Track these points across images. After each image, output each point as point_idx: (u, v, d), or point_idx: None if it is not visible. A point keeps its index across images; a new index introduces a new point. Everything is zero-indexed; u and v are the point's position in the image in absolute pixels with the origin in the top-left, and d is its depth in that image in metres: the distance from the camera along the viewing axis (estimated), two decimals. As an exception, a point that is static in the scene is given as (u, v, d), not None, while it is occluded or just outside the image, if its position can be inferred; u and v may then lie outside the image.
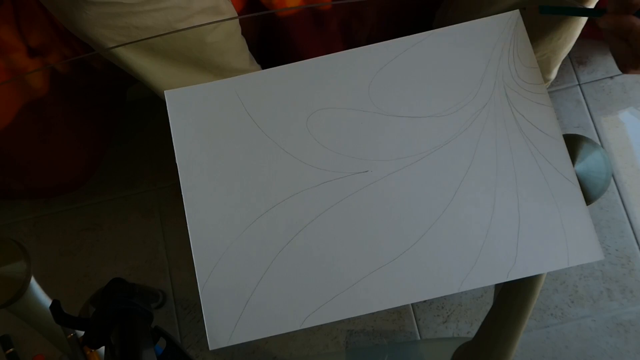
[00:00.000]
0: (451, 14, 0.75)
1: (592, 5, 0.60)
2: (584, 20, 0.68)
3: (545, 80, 0.81)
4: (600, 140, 1.02)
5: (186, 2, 0.61)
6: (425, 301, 0.94)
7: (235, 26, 0.70)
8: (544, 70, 0.78)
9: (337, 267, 0.48)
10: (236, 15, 0.70)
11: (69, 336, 0.66)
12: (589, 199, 0.49)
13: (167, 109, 0.52)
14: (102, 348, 0.49)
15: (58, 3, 0.59)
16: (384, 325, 0.94)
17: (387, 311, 0.94)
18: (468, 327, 0.94)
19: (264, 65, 0.73)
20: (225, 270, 0.48)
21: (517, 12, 0.53)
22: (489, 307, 0.61)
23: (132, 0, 0.58)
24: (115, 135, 1.03)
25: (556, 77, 0.82)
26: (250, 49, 0.75)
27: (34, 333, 0.67)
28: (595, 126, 1.03)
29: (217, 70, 0.68)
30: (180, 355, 0.49)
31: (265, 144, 0.51)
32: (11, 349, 0.90)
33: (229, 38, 0.69)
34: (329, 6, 0.76)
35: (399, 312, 0.95)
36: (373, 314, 0.46)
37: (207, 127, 0.51)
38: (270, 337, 0.46)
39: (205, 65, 0.67)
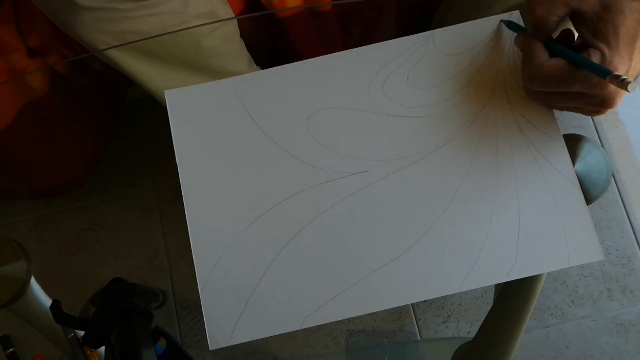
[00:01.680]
0: (450, 17, 0.75)
1: None
2: None
3: None
4: (600, 140, 1.02)
5: (182, 7, 0.61)
6: (425, 301, 0.94)
7: (233, 30, 0.70)
8: None
9: (337, 267, 0.48)
10: (235, 21, 0.70)
11: (69, 336, 0.66)
12: (589, 198, 0.49)
13: (167, 109, 0.52)
14: (102, 348, 0.49)
15: (54, 8, 0.59)
16: (384, 325, 0.94)
17: (387, 311, 0.94)
18: (468, 327, 0.94)
19: (264, 66, 0.73)
20: (226, 270, 0.48)
21: (517, 12, 0.53)
22: (489, 307, 0.61)
23: (127, 5, 0.58)
24: (115, 135, 1.03)
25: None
26: (249, 50, 0.74)
27: (34, 333, 0.67)
28: (595, 126, 1.03)
29: (215, 73, 0.68)
30: (180, 355, 0.49)
31: (265, 143, 0.51)
32: (11, 349, 0.90)
33: (226, 42, 0.68)
34: (328, 7, 0.75)
35: (399, 312, 0.95)
36: (373, 314, 0.46)
37: (207, 127, 0.51)
38: (271, 337, 0.46)
39: (202, 69, 0.67)
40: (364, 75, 0.52)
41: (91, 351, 0.67)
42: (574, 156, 0.50)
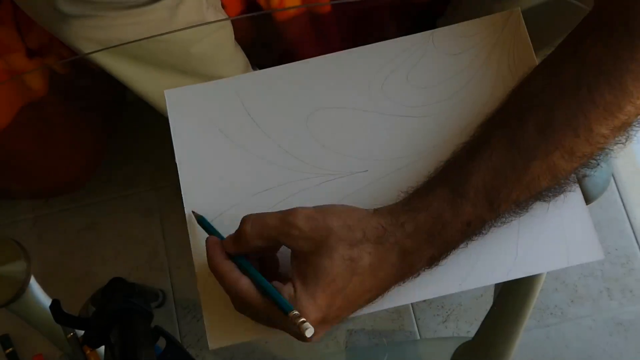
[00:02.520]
0: (458, 21, 0.75)
1: None
2: None
3: None
4: (600, 139, 1.02)
5: (169, 15, 0.60)
6: (424, 301, 0.94)
7: (226, 36, 0.69)
8: None
9: (337, 267, 0.48)
10: (229, 27, 0.70)
11: (69, 336, 0.66)
12: (588, 198, 0.49)
13: (167, 108, 0.52)
14: (102, 347, 0.49)
15: (42, 16, 0.59)
16: (384, 324, 0.94)
17: (387, 311, 0.94)
18: (468, 327, 0.94)
19: (264, 66, 0.73)
20: (225, 270, 0.48)
21: (517, 10, 0.53)
22: (488, 307, 0.61)
23: (113, 13, 0.57)
24: (115, 135, 1.03)
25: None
26: (248, 50, 0.74)
27: (34, 333, 0.67)
28: (595, 126, 1.03)
29: (206, 78, 0.68)
30: (180, 355, 0.49)
31: (265, 143, 0.51)
32: (11, 349, 0.90)
33: (217, 49, 0.68)
34: (327, 8, 0.75)
35: (398, 312, 0.95)
36: (373, 313, 0.46)
37: (206, 126, 0.51)
38: (270, 337, 0.46)
39: (193, 74, 0.66)
40: (364, 75, 0.52)
41: (91, 351, 0.67)
42: (573, 156, 0.50)
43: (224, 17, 0.68)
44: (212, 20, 0.65)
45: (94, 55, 0.62)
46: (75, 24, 0.58)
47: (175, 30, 0.61)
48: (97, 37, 0.60)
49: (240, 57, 0.73)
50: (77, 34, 0.59)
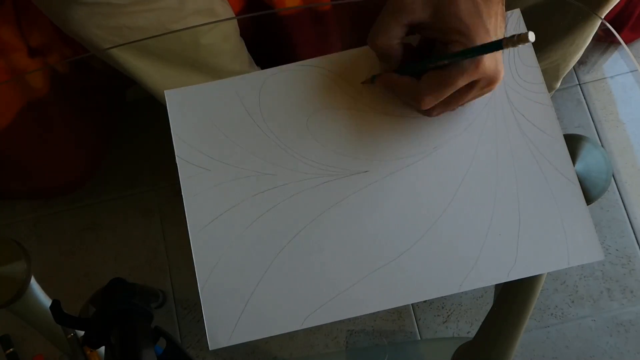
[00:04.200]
0: None
1: (604, 13, 0.60)
2: (596, 25, 0.68)
3: (552, 88, 0.81)
4: (600, 140, 1.02)
5: (179, 3, 0.61)
6: (425, 301, 0.94)
7: (232, 28, 0.70)
8: (552, 77, 0.78)
9: (337, 267, 0.48)
10: (234, 19, 0.70)
11: (69, 336, 0.66)
12: (589, 198, 0.49)
13: (167, 108, 0.52)
14: (102, 348, 0.49)
15: (50, 4, 0.59)
16: (384, 325, 0.94)
17: (387, 311, 0.93)
18: (468, 327, 0.94)
19: (264, 66, 0.73)
20: (225, 270, 0.48)
21: (517, 10, 0.53)
22: (489, 307, 0.61)
23: (123, 0, 0.58)
24: (115, 135, 1.03)
25: (556, 77, 0.82)
26: (249, 49, 0.74)
27: (34, 333, 0.67)
28: (595, 126, 1.03)
29: (214, 72, 0.68)
30: (180, 355, 0.49)
31: (265, 144, 0.51)
32: (11, 349, 0.90)
33: (225, 40, 0.68)
34: (328, 6, 0.75)
35: (399, 312, 0.95)
36: (373, 313, 0.46)
37: (207, 127, 0.51)
38: (270, 337, 0.46)
39: (202, 67, 0.66)
40: (364, 75, 0.52)
41: (91, 351, 0.67)
42: (574, 156, 0.50)
43: (228, 8, 0.69)
44: (220, 9, 0.65)
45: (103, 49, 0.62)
46: (84, 11, 0.58)
47: (185, 29, 0.61)
48: (107, 25, 0.59)
49: (245, 52, 0.73)
50: (85, 22, 0.59)
